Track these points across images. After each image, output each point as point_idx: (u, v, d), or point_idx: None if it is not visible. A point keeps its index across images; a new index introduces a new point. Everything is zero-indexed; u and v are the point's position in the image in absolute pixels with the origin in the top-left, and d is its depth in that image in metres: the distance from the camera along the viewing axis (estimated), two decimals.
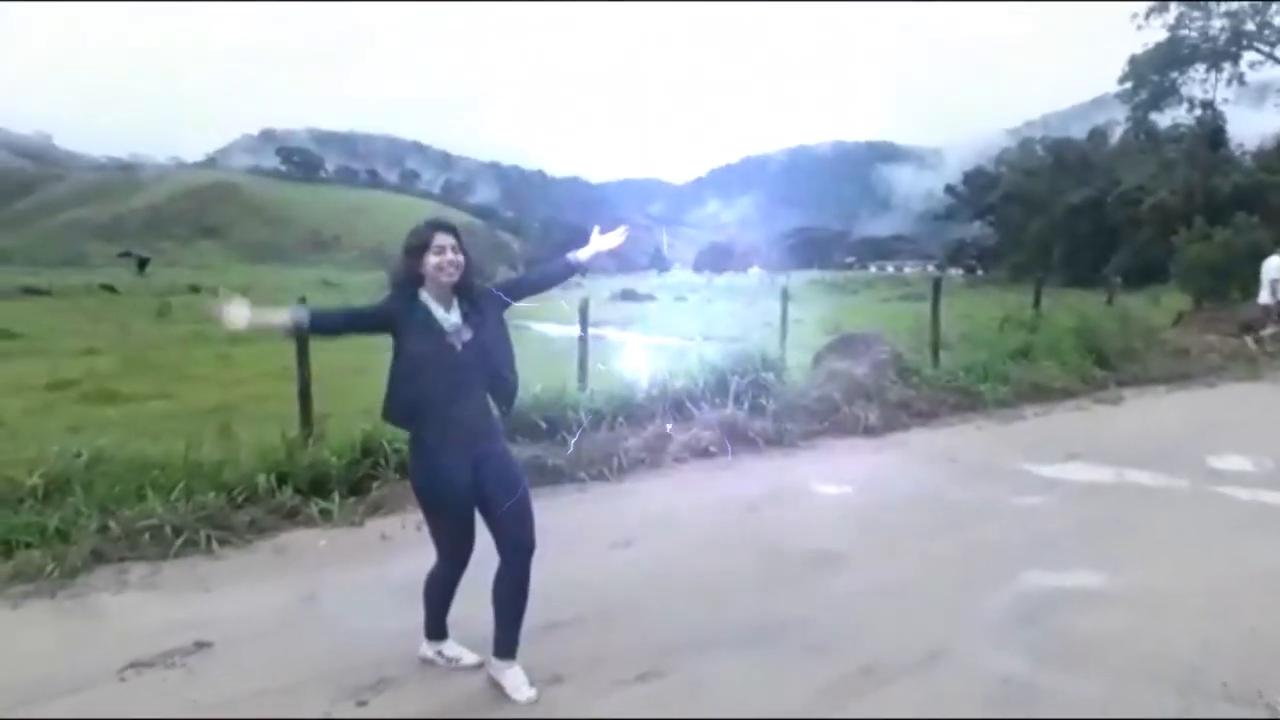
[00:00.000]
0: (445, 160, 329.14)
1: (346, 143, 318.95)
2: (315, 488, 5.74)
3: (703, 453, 6.85)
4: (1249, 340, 13.92)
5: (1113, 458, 6.99)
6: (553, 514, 5.23)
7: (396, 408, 3.23)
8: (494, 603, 3.30)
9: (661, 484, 6.26)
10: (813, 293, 56.48)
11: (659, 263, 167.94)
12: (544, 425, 6.49)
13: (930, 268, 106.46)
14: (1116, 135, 57.37)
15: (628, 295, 44.84)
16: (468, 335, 3.21)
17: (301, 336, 6.47)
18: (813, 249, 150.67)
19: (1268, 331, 14.37)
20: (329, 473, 5.81)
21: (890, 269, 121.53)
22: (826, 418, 7.72)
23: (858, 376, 8.44)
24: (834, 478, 6.43)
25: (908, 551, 4.87)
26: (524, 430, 6.35)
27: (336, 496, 5.61)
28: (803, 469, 6.66)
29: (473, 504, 3.27)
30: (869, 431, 7.72)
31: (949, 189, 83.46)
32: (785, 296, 9.36)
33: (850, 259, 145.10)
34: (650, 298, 45.78)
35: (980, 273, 74.90)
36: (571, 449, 6.26)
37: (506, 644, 3.31)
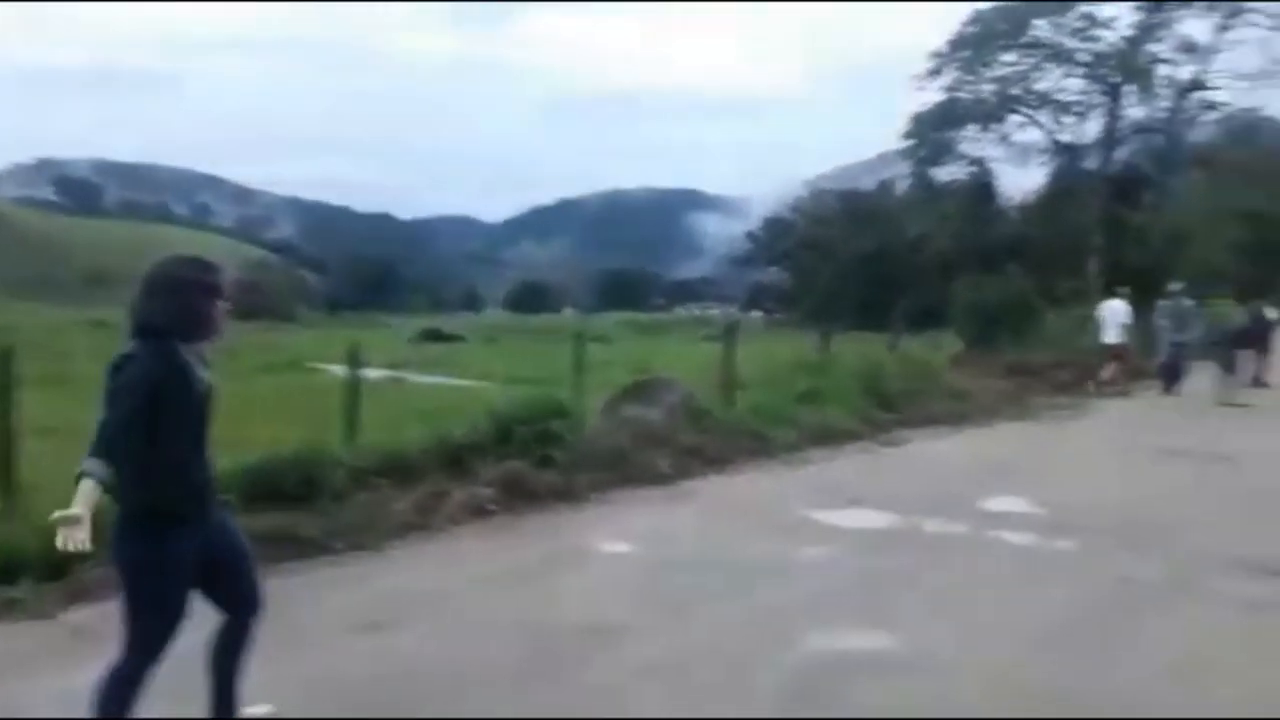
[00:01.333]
0: (242, 194, 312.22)
1: (134, 174, 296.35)
2: (6, 573, 4.78)
3: (481, 513, 6.30)
4: (1090, 384, 15.28)
5: (894, 502, 7.02)
6: (295, 593, 4.55)
7: (162, 477, 2.70)
8: (219, 665, 2.95)
9: (430, 552, 5.66)
10: (624, 333, 57.12)
11: (471, 302, 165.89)
12: (297, 488, 5.75)
13: (734, 310, 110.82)
14: (901, 188, 61.84)
15: (432, 335, 43.51)
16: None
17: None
18: (625, 291, 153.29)
19: (1107, 373, 15.56)
20: (25, 554, 4.85)
21: (698, 310, 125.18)
22: (618, 467, 7.37)
23: (651, 422, 8.19)
24: (621, 535, 6.06)
25: (690, 618, 4.53)
26: (269, 495, 5.59)
27: (30, 581, 4.68)
28: (589, 527, 6.25)
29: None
30: (661, 480, 7.44)
31: (749, 235, 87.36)
32: (581, 340, 9.00)
33: (661, 301, 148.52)
34: (458, 338, 44.69)
35: (778, 315, 78.56)
36: (327, 515, 5.56)
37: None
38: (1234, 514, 6.77)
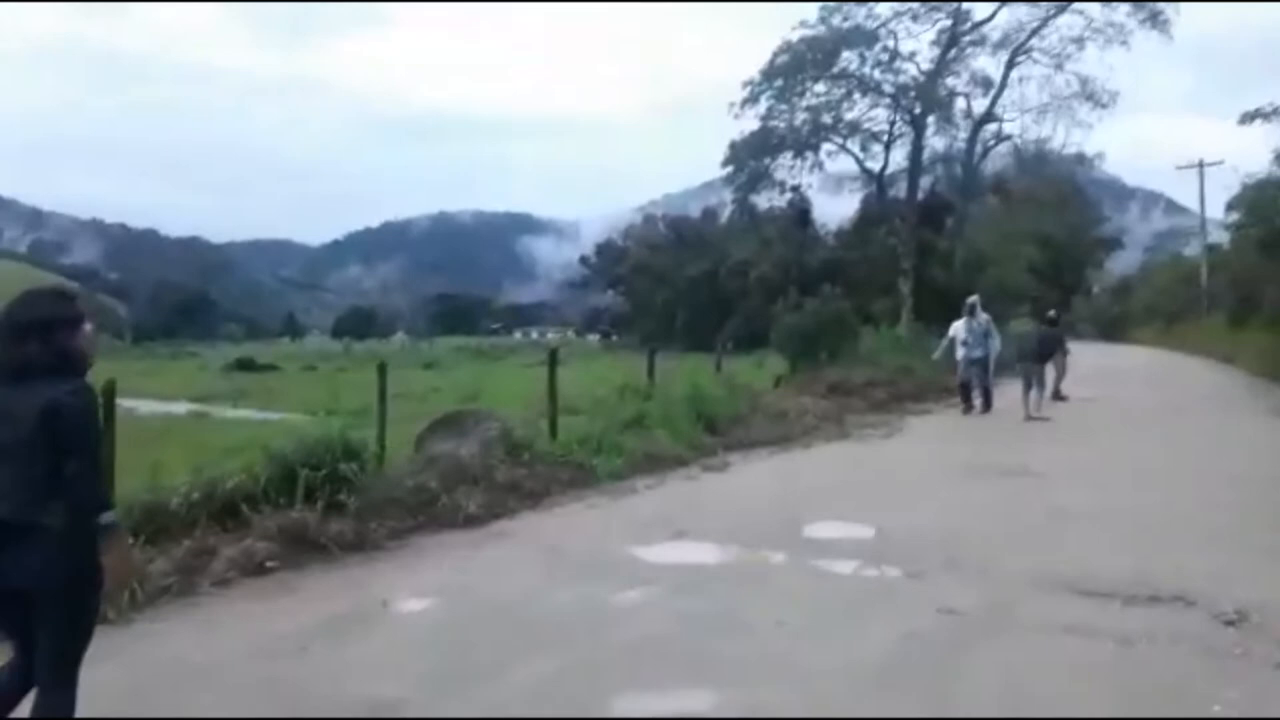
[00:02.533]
0: (35, 216, 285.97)
1: None
2: None
3: (258, 570, 5.51)
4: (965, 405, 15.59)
5: (719, 533, 6.72)
6: None
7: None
8: None
9: (189, 620, 4.84)
10: (458, 359, 55.69)
11: (291, 328, 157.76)
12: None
13: (570, 334, 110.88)
14: (725, 214, 63.75)
15: (244, 365, 40.76)
16: None
17: None
18: (459, 315, 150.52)
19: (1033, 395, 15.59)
20: None
21: (534, 335, 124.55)
22: (422, 510, 6.71)
23: (462, 458, 7.57)
24: (418, 589, 5.42)
25: (482, 687, 3.97)
26: None
27: None
28: (382, 581, 5.56)
29: None
30: (470, 522, 6.83)
31: (583, 260, 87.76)
32: (383, 371, 8.24)
33: (496, 325, 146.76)
34: (273, 368, 42.06)
35: (616, 338, 79.13)
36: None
37: None
38: (1044, 532, 6.86)
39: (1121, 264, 63.83)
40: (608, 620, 4.86)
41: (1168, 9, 25.00)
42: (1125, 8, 25.41)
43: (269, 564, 5.53)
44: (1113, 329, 52.43)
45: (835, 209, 37.52)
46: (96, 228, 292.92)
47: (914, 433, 13.37)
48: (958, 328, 15.65)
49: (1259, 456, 10.48)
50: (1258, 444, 11.61)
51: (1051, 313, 17.80)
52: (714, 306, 56.37)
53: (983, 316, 15.40)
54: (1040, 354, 15.45)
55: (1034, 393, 14.85)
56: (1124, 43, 25.51)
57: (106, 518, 2.82)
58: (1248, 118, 13.33)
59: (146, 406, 19.96)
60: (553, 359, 10.54)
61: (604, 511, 7.52)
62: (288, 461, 6.20)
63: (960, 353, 15.45)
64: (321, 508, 6.07)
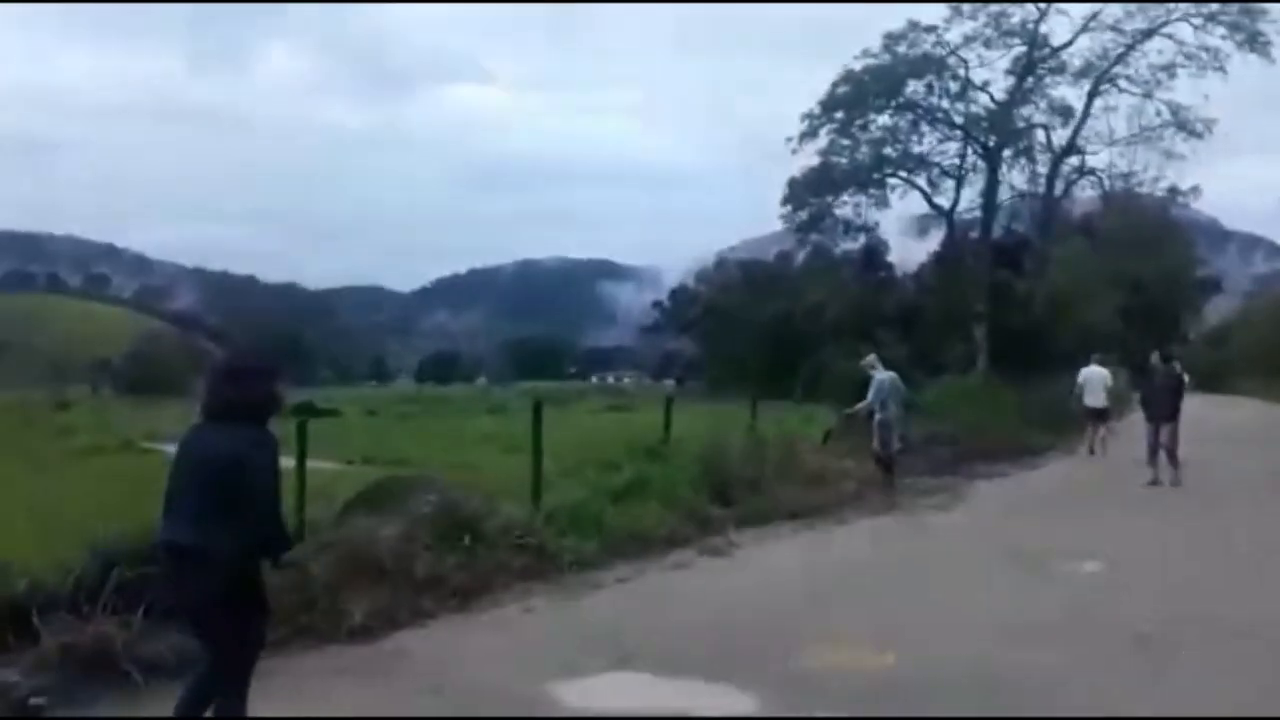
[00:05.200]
0: (140, 264, 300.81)
1: (22, 244, 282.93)
2: None
3: (20, 706, 4.14)
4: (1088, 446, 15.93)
5: (677, 656, 5.13)
6: None
7: None
8: None
9: None
10: (523, 404, 54.83)
11: (380, 372, 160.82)
12: None
13: (645, 379, 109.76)
14: (800, 257, 62.10)
15: (304, 410, 40.27)
16: None
17: None
18: (538, 359, 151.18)
19: (1099, 434, 16.11)
20: None
21: (611, 379, 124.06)
22: (292, 618, 5.28)
23: (373, 544, 6.13)
24: None
25: None
26: None
27: None
28: None
29: None
30: (355, 635, 5.34)
31: (656, 304, 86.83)
32: (303, 433, 6.87)
33: (574, 369, 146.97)
34: (334, 413, 41.56)
35: (686, 383, 77.62)
36: None
37: None
38: (1127, 665, 5.07)
39: (1220, 310, 59.56)
40: None
41: (1269, 30, 22.61)
42: (1221, 30, 23.11)
43: (34, 700, 4.15)
44: (1212, 379, 48.48)
45: (914, 252, 35.51)
46: (199, 274, 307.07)
47: (977, 503, 11.49)
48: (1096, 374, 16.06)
49: None
50: None
51: (1159, 356, 15.04)
52: (786, 351, 54.43)
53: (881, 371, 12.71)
54: (1172, 406, 12.89)
55: (1162, 455, 12.66)
56: (1220, 68, 23.18)
57: (287, 557, 3.46)
58: None
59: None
60: (537, 411, 9.04)
61: (542, 619, 5.95)
62: (108, 555, 4.84)
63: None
64: (141, 614, 4.67)
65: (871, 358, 13.43)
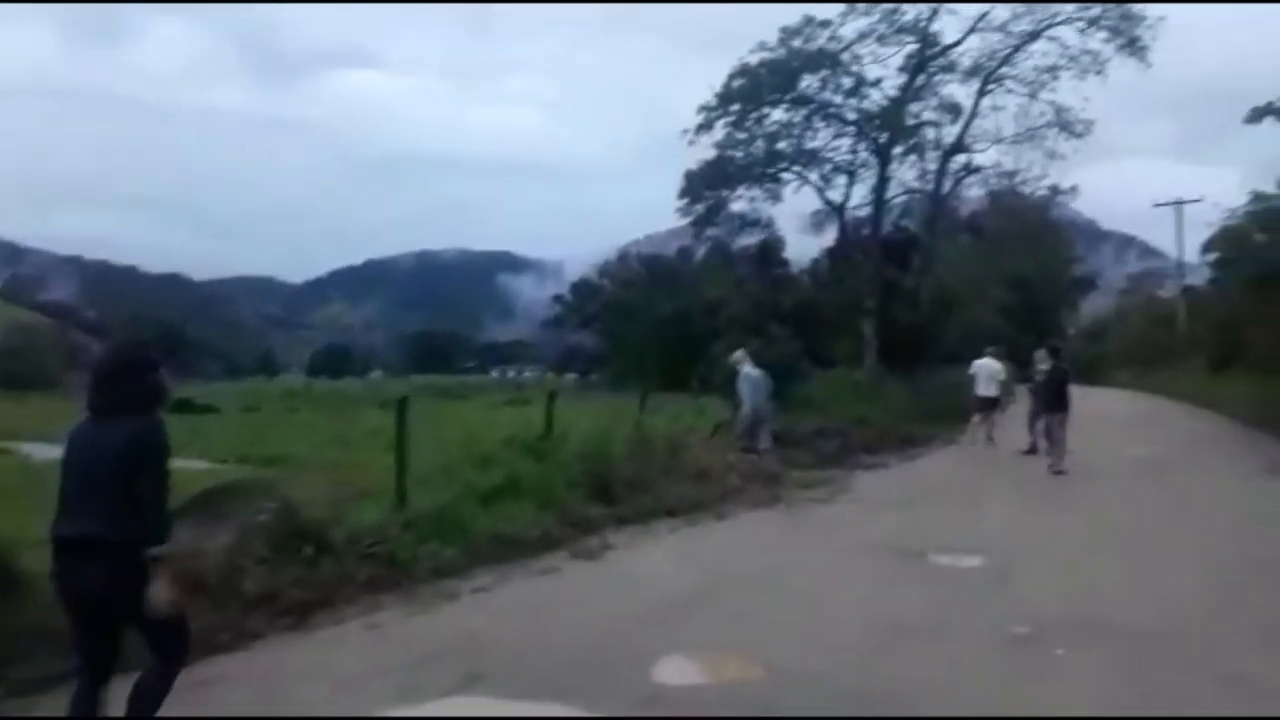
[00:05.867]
0: (12, 252, 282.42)
1: None
2: None
3: None
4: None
5: (532, 678, 4.68)
6: None
7: None
8: None
9: None
10: (424, 398, 53.35)
11: (268, 366, 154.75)
12: None
13: (547, 372, 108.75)
14: (701, 254, 62.41)
15: (182, 406, 38.22)
16: None
17: None
18: (436, 353, 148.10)
19: (989, 423, 16.40)
20: None
21: (511, 373, 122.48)
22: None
23: (195, 559, 5.47)
24: None
25: None
26: None
27: None
28: None
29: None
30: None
31: (557, 298, 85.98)
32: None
33: (470, 363, 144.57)
34: (211, 409, 39.61)
35: (592, 377, 77.22)
36: None
37: None
38: (1003, 667, 4.86)
39: (1096, 306, 62.47)
40: None
41: (1145, 35, 23.51)
42: (1102, 34, 23.92)
43: None
44: (1088, 372, 50.86)
45: (814, 247, 35.80)
46: (76, 264, 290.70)
47: (860, 494, 11.39)
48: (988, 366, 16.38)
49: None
50: (1267, 517, 9.63)
51: (1049, 351, 15.55)
52: (686, 345, 54.51)
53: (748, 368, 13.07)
54: (1060, 396, 13.54)
55: (1051, 445, 13.27)
56: (1100, 71, 24.00)
57: (156, 550, 3.21)
58: (1257, 115, 11.75)
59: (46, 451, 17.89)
60: (401, 408, 8.43)
61: (386, 635, 5.42)
62: None
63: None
64: None
65: (740, 353, 13.47)
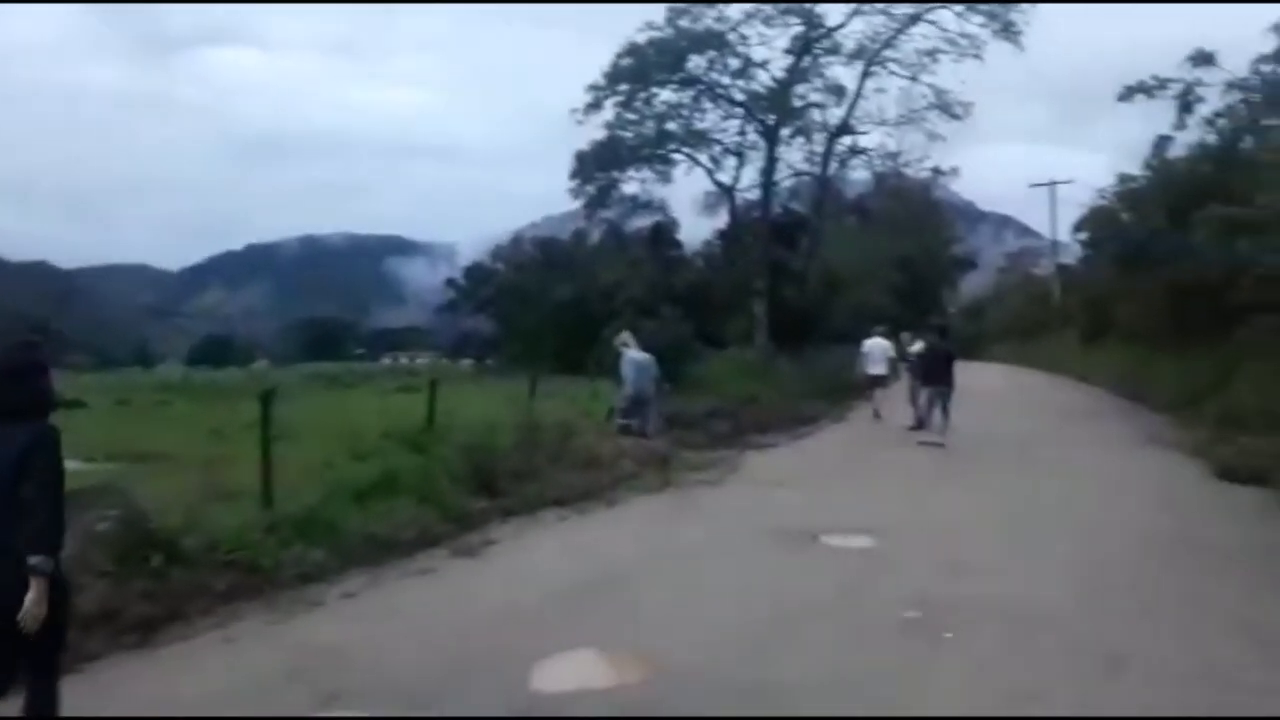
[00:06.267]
0: None
1: None
2: None
3: None
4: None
5: (398, 691, 4.36)
6: None
7: None
8: None
9: None
10: (311, 387, 51.29)
11: (144, 358, 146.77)
12: None
13: (442, 359, 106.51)
14: (596, 237, 62.03)
15: None
16: None
17: None
18: (324, 341, 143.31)
19: (878, 399, 16.90)
20: None
21: (404, 360, 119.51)
22: None
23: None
24: None
25: None
26: None
27: None
28: None
29: None
30: None
31: (450, 282, 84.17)
32: None
33: (360, 350, 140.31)
34: (79, 404, 37.12)
35: (490, 363, 76.01)
36: None
37: None
38: (895, 655, 4.79)
39: (975, 285, 64.91)
40: None
41: (1019, 20, 24.27)
42: (979, 18, 24.61)
43: None
44: (969, 347, 52.85)
45: (708, 229, 35.92)
46: None
47: (751, 475, 11.38)
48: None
49: (1160, 508, 8.80)
50: (1147, 489, 10.00)
51: (937, 330, 16.11)
52: (582, 328, 54.12)
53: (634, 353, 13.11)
54: (947, 372, 13.96)
55: (939, 418, 13.68)
56: (977, 55, 24.70)
57: (37, 560, 3.08)
58: (1129, 92, 12.24)
59: None
60: (266, 401, 7.86)
61: (242, 649, 4.99)
62: None
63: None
64: None
65: (624, 335, 13.38)
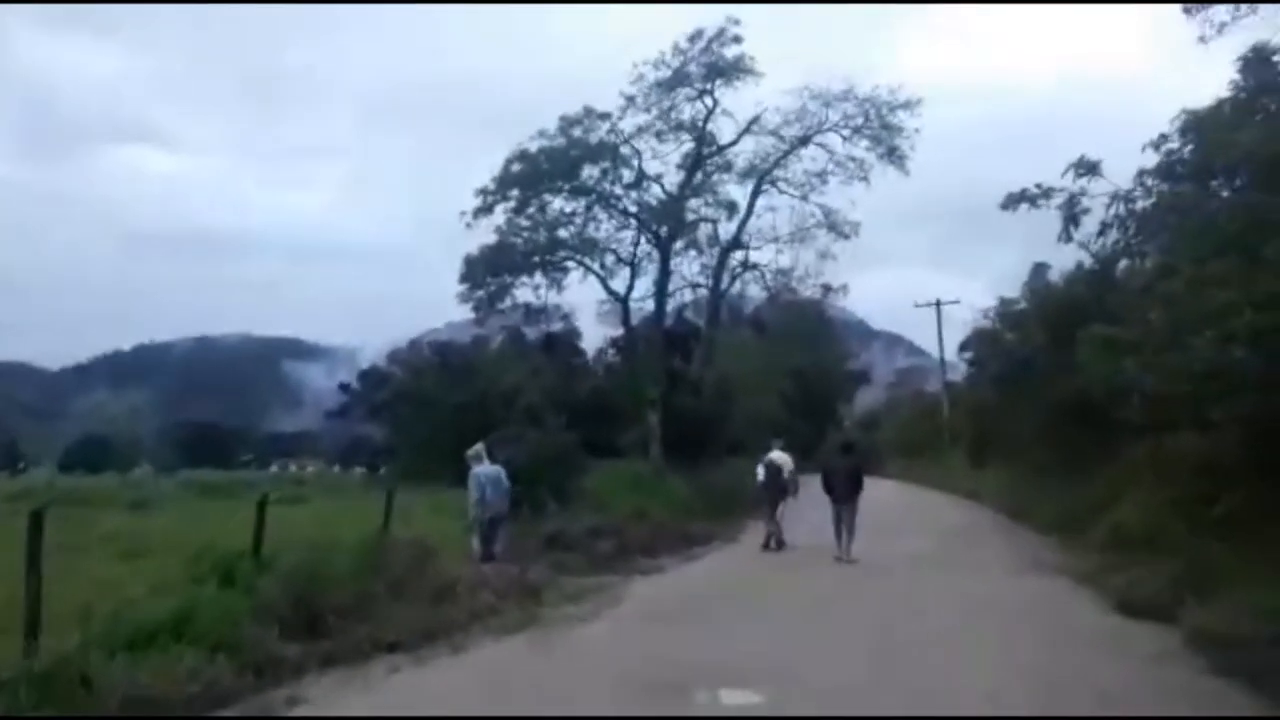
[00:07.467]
0: None
1: None
2: None
3: None
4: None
5: None
6: None
7: None
8: None
9: None
10: (183, 497, 47.81)
11: (12, 459, 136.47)
12: None
13: (334, 468, 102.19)
14: (496, 342, 61.08)
15: None
16: None
17: None
18: (212, 445, 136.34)
19: (779, 514, 15.54)
20: None
21: (293, 468, 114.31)
22: None
23: None
24: None
25: None
26: None
27: None
28: None
29: None
30: None
31: (343, 386, 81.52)
32: None
33: (248, 456, 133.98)
34: None
35: (381, 471, 73.05)
36: None
37: None
38: None
39: (869, 399, 66.20)
40: None
41: (903, 145, 25.11)
42: (865, 143, 25.38)
43: None
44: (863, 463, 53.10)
45: (602, 336, 35.57)
46: None
47: (629, 607, 10.35)
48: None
49: (1059, 644, 8.13)
50: (1040, 623, 9.36)
51: (843, 445, 16.07)
52: (479, 436, 52.47)
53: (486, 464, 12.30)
54: (855, 488, 14.13)
55: (845, 537, 13.63)
56: (864, 178, 25.39)
57: None
58: (1012, 201, 12.30)
59: None
60: (35, 522, 6.51)
61: None
62: None
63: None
64: None
65: (478, 447, 12.41)
